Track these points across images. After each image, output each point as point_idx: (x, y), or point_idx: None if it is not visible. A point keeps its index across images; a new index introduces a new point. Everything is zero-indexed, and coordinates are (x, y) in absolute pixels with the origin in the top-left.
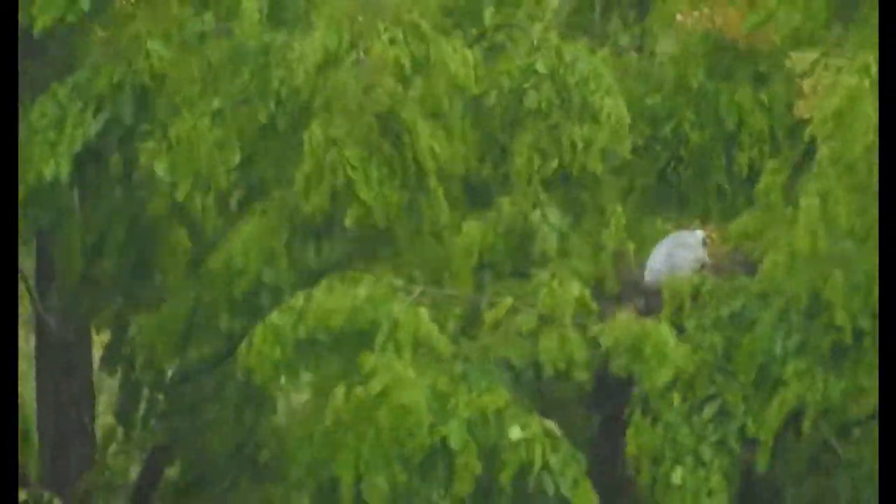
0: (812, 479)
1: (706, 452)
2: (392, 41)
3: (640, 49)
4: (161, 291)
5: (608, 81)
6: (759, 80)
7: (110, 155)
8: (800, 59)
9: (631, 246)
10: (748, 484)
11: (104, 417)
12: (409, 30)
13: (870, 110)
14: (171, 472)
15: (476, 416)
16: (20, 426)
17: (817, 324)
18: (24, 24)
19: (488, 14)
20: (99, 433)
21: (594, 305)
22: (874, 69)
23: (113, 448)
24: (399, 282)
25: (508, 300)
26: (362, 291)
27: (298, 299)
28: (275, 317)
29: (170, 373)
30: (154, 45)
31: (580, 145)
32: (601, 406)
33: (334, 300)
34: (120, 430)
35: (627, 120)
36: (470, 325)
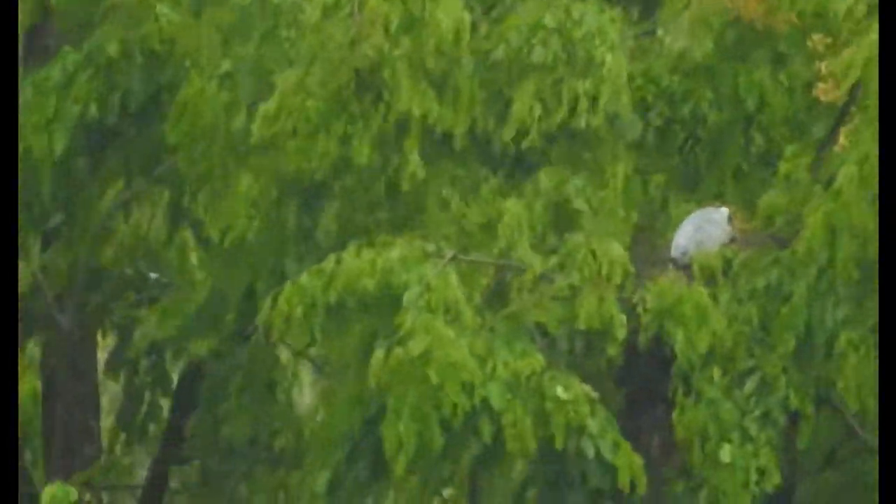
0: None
1: (752, 427)
2: None
3: (655, 31)
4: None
5: (612, 38)
6: (779, 61)
7: (119, 123)
8: (821, 41)
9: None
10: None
11: (108, 419)
12: None
13: None
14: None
15: (515, 379)
16: (26, 425)
17: (865, 294)
18: None
19: None
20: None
21: (631, 268)
22: None
23: (118, 449)
24: (430, 246)
25: (547, 260)
26: (394, 254)
27: (329, 262)
28: (304, 279)
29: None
30: (163, 9)
31: (583, 100)
32: (630, 381)
33: (364, 263)
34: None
35: (625, 76)
36: (502, 290)
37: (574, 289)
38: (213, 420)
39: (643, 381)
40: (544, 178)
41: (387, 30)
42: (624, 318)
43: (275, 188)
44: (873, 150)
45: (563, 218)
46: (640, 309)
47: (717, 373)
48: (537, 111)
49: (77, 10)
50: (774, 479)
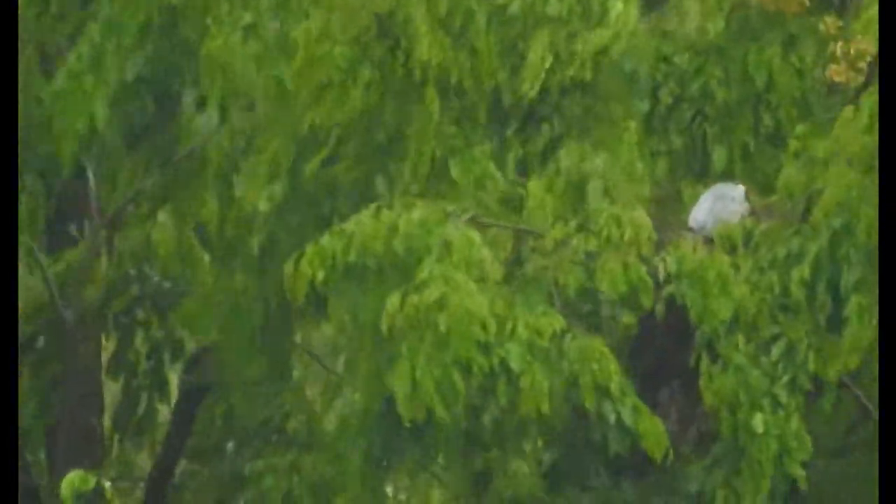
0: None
1: (781, 395)
2: None
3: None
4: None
5: None
6: (789, 42)
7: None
8: (833, 23)
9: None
10: None
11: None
12: None
13: None
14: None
15: (536, 337)
16: (27, 422)
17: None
18: None
19: None
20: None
21: (654, 234)
22: None
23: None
24: (451, 207)
25: (567, 225)
26: (415, 215)
27: (350, 223)
28: (324, 240)
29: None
30: None
31: (594, 52)
32: (645, 356)
33: (385, 224)
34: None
35: (633, 24)
36: (521, 257)
37: (595, 253)
38: (226, 404)
39: (659, 355)
40: (564, 157)
41: None
42: (651, 282)
43: (294, 148)
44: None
45: (581, 192)
46: (662, 273)
47: (741, 340)
48: (548, 62)
49: None
50: (807, 448)
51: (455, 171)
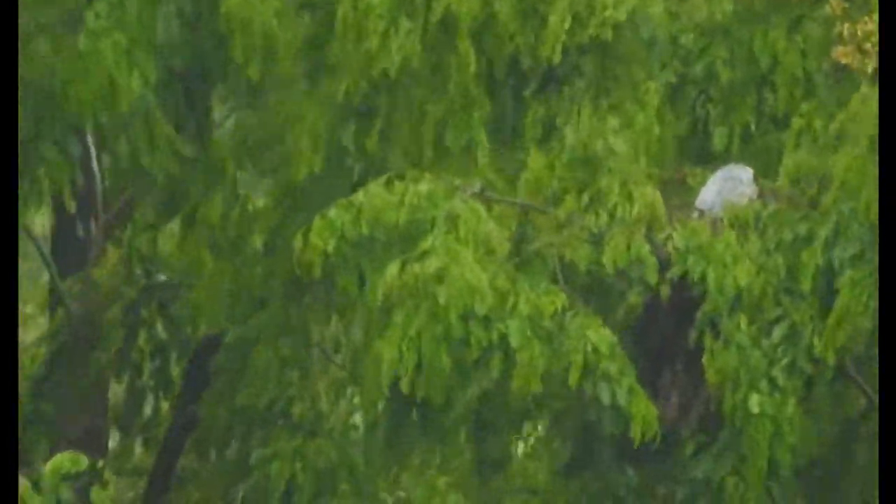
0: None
1: (779, 377)
2: None
3: None
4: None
5: None
6: (796, 23)
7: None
8: (838, 4)
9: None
10: None
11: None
12: None
13: None
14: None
15: (537, 315)
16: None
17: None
18: None
19: None
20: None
21: (664, 212)
22: None
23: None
24: (458, 181)
25: (577, 200)
26: (423, 188)
27: (358, 195)
28: (332, 212)
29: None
30: None
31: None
32: (649, 338)
33: (394, 196)
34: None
35: None
36: (527, 233)
37: (604, 230)
38: (231, 390)
39: (663, 337)
40: (570, 134)
41: None
42: (655, 260)
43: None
44: None
45: (589, 168)
46: (669, 248)
47: (744, 320)
48: (568, 22)
49: None
50: (800, 433)
51: (449, 138)
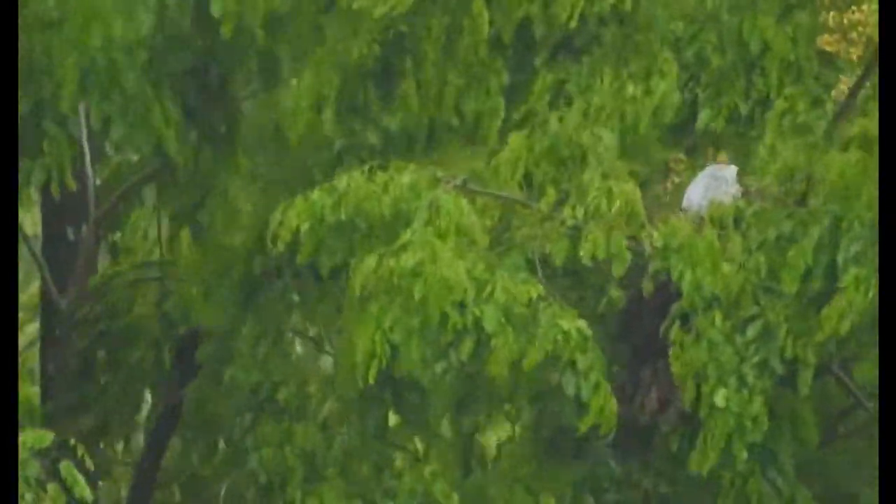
0: None
1: (749, 375)
2: None
3: None
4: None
5: None
6: (786, 11)
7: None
8: None
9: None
10: None
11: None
12: None
13: None
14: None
15: (511, 303)
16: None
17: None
18: None
19: None
20: None
21: (642, 209)
22: None
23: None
24: (441, 172)
25: (553, 194)
26: (405, 178)
27: (341, 181)
28: (314, 194)
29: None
30: None
31: None
32: (632, 335)
33: (376, 185)
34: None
35: None
36: (511, 220)
37: (583, 224)
38: (217, 378)
39: (645, 334)
40: (554, 123)
41: None
42: (628, 254)
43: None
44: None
45: (571, 158)
46: (648, 246)
47: (719, 317)
48: None
49: None
50: (763, 427)
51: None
